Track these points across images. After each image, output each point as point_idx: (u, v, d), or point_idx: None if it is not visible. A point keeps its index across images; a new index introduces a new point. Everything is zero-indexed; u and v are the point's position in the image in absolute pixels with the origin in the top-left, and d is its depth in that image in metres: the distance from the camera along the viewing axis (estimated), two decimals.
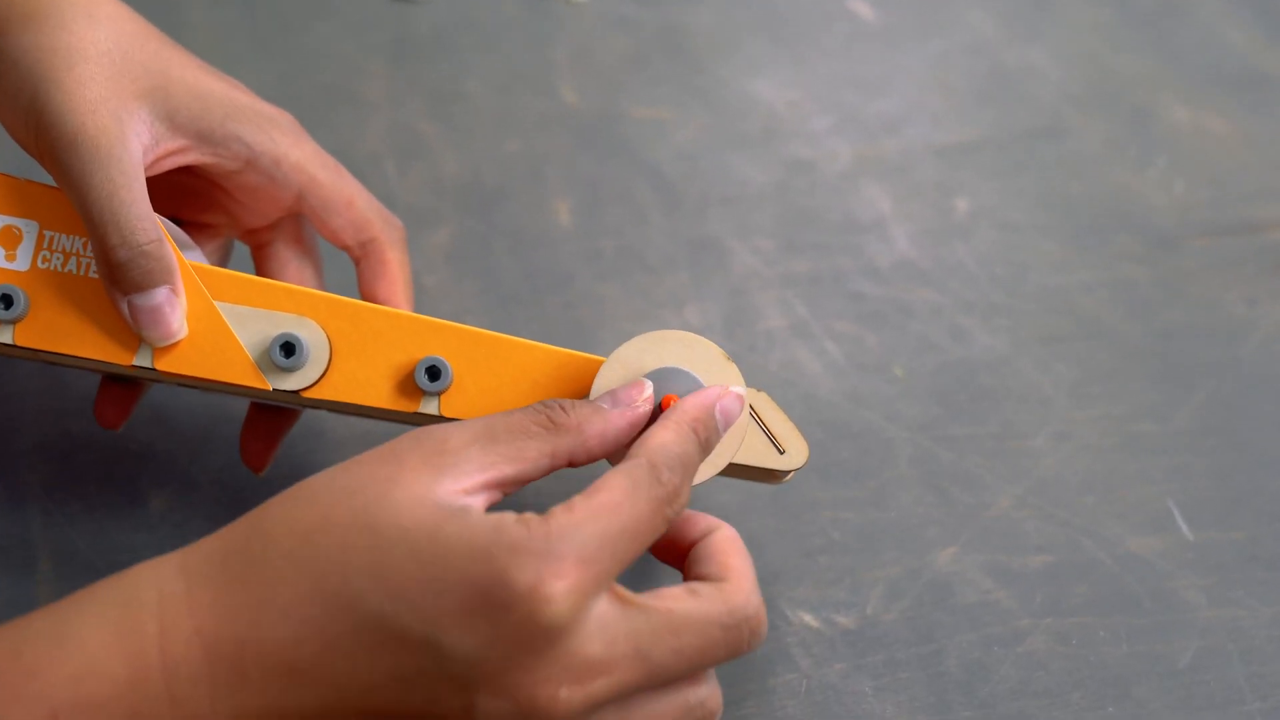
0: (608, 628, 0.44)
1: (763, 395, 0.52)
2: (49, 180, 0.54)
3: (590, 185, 0.77)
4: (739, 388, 0.51)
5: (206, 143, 0.55)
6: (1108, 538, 0.63)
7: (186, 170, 0.56)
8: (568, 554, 0.43)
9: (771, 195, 0.78)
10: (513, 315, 0.71)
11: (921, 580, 0.61)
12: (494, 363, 0.53)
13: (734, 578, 0.47)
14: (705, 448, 0.49)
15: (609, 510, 0.44)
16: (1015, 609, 0.60)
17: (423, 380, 0.53)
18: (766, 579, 0.60)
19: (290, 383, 0.53)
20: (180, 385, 0.56)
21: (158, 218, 0.52)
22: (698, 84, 0.84)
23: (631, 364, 0.51)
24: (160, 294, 0.52)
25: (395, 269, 0.58)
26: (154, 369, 0.53)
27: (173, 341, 0.53)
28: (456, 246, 0.74)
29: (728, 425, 0.51)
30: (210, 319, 0.53)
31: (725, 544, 0.48)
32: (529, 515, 0.44)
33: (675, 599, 0.45)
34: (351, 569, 0.43)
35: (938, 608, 0.60)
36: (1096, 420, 0.67)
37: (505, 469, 0.46)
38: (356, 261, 0.59)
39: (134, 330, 0.52)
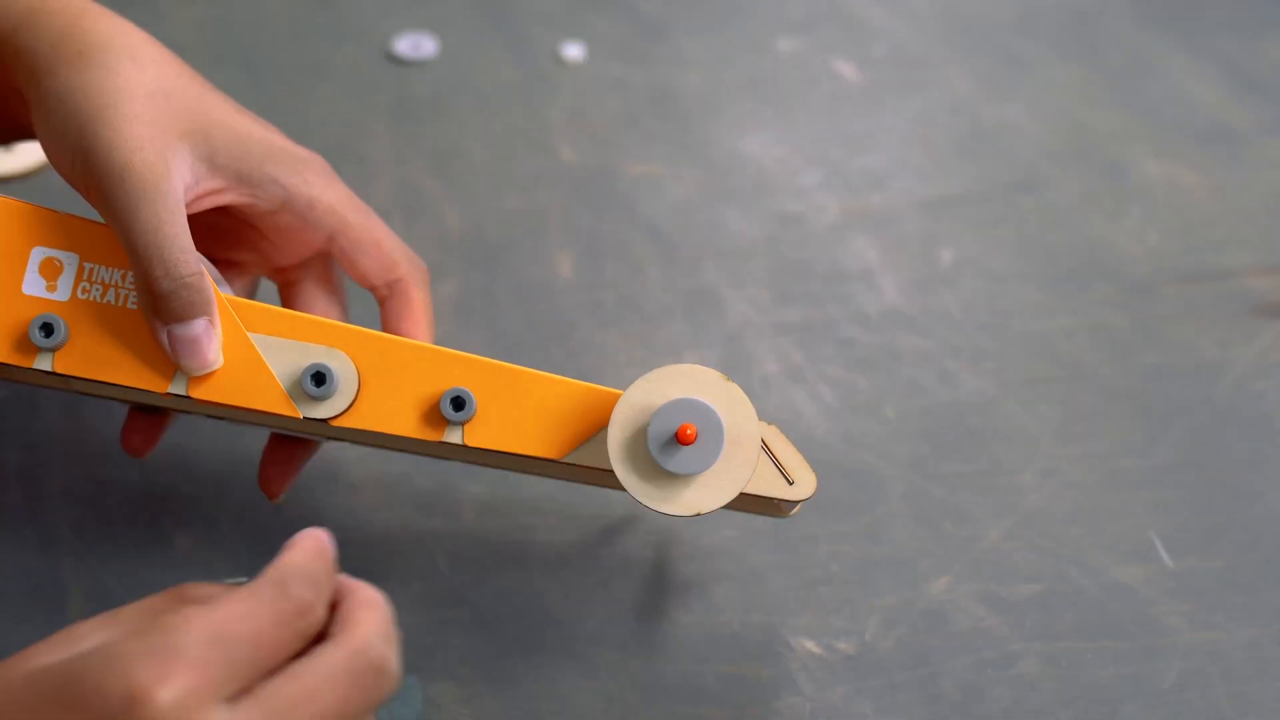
0: None
1: (773, 428, 0.54)
2: (90, 214, 0.55)
3: (589, 239, 0.80)
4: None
5: (244, 184, 0.56)
6: (1093, 567, 0.65)
7: (220, 210, 0.58)
8: (177, 656, 0.40)
9: (763, 247, 0.80)
10: (518, 363, 0.72)
11: (916, 609, 0.63)
12: (516, 394, 0.55)
13: (350, 627, 0.44)
14: (330, 572, 0.46)
15: (229, 618, 0.41)
16: (1007, 634, 0.62)
17: (448, 410, 0.54)
18: (770, 608, 0.63)
19: (320, 411, 0.54)
20: (210, 416, 0.58)
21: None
22: (689, 142, 0.87)
23: (641, 403, 0.53)
24: (199, 324, 0.53)
25: (420, 307, 0.59)
26: (189, 397, 0.54)
27: (209, 370, 0.54)
28: (462, 298, 0.76)
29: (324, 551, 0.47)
30: (244, 349, 0.54)
31: (355, 604, 0.45)
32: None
33: (298, 665, 0.43)
34: None
35: (933, 634, 0.62)
36: (1080, 457, 0.70)
37: None
38: (381, 300, 0.60)
39: (172, 359, 0.53)
